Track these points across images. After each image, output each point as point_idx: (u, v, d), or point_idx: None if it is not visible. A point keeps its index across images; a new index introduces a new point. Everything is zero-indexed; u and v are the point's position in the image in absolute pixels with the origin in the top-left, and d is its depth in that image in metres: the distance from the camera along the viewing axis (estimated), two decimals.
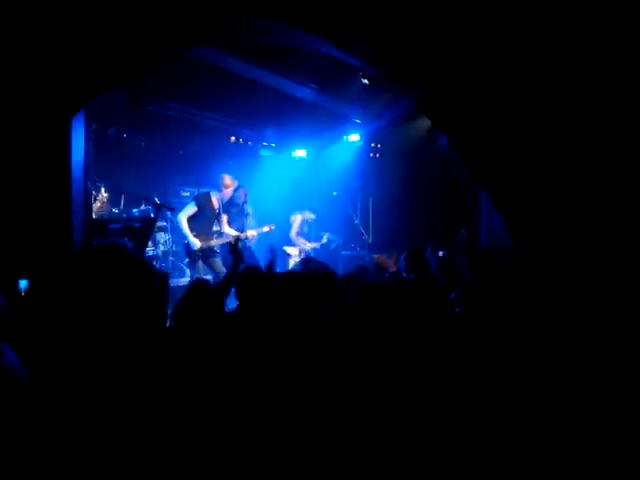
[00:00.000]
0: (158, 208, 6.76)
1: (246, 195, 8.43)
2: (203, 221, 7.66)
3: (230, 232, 8.13)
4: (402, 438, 2.30)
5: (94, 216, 6.58)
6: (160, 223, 7.51)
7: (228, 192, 7.97)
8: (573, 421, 2.54)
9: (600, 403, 2.76)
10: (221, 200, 7.92)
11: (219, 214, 7.91)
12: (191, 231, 7.52)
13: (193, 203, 7.67)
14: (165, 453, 1.45)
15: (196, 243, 7.50)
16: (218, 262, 7.71)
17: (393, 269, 6.87)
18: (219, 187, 7.89)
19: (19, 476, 1.23)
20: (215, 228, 7.89)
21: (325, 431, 2.29)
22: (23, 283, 4.10)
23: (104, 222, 5.94)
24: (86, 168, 5.22)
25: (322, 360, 2.63)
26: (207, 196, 7.83)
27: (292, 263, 9.20)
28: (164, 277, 3.03)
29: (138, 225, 6.02)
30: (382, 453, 2.25)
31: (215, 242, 7.76)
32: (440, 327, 3.39)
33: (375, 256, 8.10)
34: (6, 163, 4.50)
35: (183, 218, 7.54)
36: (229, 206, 8.30)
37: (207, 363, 2.72)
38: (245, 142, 10.80)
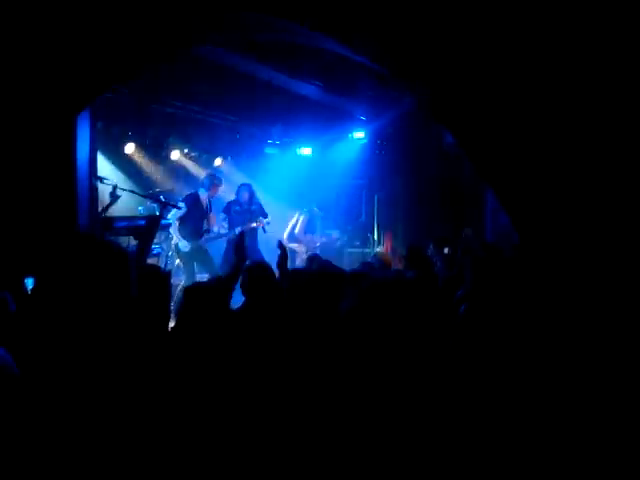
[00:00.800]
0: (163, 206, 6.77)
1: (251, 193, 8.45)
2: (193, 221, 7.75)
3: (222, 230, 8.29)
4: (413, 437, 2.30)
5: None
6: (165, 221, 7.55)
7: (215, 191, 8.09)
8: (578, 419, 2.54)
9: (606, 399, 2.76)
10: (208, 199, 8.02)
11: (207, 213, 8.01)
12: (181, 232, 7.60)
13: (183, 205, 7.72)
14: (167, 453, 1.46)
15: (186, 245, 7.58)
16: (211, 260, 7.81)
17: (398, 266, 6.88)
18: (206, 186, 7.99)
19: (16, 476, 1.23)
20: (205, 227, 8.00)
21: (333, 430, 2.30)
22: (30, 281, 4.12)
23: (110, 220, 5.94)
24: (91, 166, 5.24)
25: (335, 358, 2.62)
26: (196, 196, 7.93)
27: (299, 260, 9.24)
28: (166, 276, 3.03)
29: (143, 223, 6.02)
30: (392, 451, 2.26)
31: (204, 241, 7.87)
32: (443, 325, 3.39)
33: (379, 251, 8.11)
34: (12, 162, 4.53)
35: (176, 221, 7.60)
36: (232, 205, 8.36)
37: (211, 362, 2.72)
38: (250, 140, 10.79)
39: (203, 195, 7.96)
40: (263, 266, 4.07)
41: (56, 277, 1.41)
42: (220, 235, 8.29)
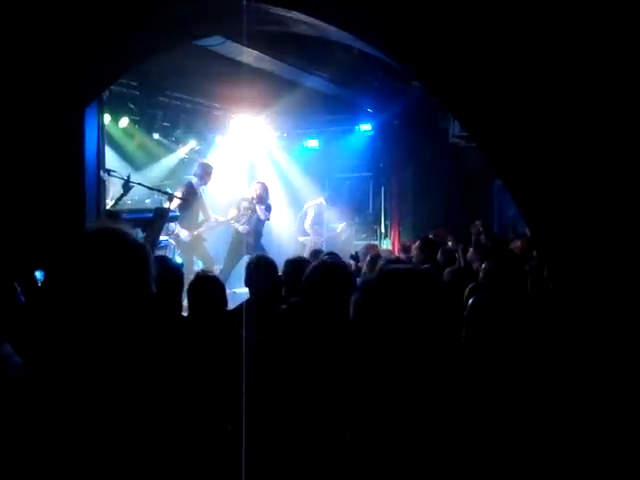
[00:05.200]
0: (170, 198, 6.78)
1: (264, 191, 8.43)
2: (189, 211, 7.74)
3: (219, 218, 8.29)
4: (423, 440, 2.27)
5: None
6: (173, 213, 7.57)
7: (207, 179, 8.14)
8: (583, 418, 2.52)
9: (615, 394, 2.74)
10: (202, 188, 8.05)
11: (202, 202, 8.03)
12: (180, 223, 7.60)
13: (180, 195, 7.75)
14: (170, 451, 1.43)
15: (187, 235, 7.60)
16: (206, 250, 7.83)
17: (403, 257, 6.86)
18: (199, 175, 8.01)
19: (21, 474, 1.22)
20: (201, 217, 8.01)
21: (334, 428, 2.28)
22: (39, 274, 4.13)
23: (117, 213, 5.95)
24: (99, 158, 5.24)
25: (340, 354, 2.60)
26: (190, 186, 7.92)
27: (307, 253, 9.23)
28: (178, 268, 3.03)
29: (151, 215, 6.03)
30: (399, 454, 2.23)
31: (203, 230, 7.89)
32: (454, 318, 3.37)
33: (368, 244, 8.09)
34: (21, 155, 4.53)
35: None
36: (242, 200, 8.40)
37: (217, 356, 2.72)
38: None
39: (196, 184, 7.98)
40: (266, 260, 4.03)
41: (70, 273, 1.37)
42: (219, 223, 8.32)
